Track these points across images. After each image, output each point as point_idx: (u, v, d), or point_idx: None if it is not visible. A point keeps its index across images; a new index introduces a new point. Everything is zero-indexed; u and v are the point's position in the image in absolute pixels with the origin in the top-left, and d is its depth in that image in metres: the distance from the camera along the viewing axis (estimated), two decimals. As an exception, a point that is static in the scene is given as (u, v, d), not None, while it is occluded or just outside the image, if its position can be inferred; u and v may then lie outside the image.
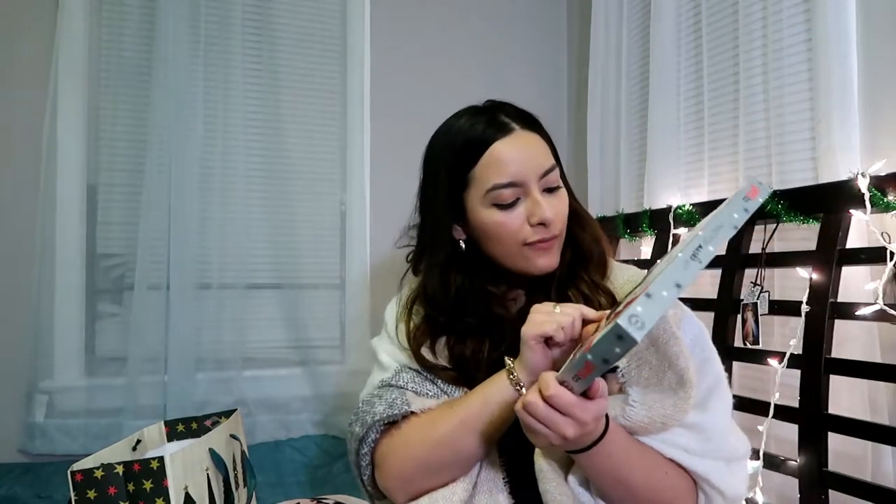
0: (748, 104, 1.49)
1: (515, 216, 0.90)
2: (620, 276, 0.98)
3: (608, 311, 0.79)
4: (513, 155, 0.90)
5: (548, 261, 0.91)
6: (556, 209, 0.91)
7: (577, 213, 0.97)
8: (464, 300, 0.94)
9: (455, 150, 0.92)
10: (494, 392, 0.83)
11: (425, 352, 0.94)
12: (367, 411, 0.92)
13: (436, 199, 0.95)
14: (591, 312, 0.80)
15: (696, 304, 1.43)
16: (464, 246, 0.96)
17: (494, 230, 0.91)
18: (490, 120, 0.92)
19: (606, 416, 0.76)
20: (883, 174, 1.12)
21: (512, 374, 0.82)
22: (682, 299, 1.03)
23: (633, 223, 1.79)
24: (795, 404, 1.20)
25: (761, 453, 1.26)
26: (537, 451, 0.83)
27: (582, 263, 0.96)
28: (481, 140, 0.90)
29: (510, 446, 0.87)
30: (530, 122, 0.95)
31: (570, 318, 0.78)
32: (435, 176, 0.95)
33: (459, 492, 0.85)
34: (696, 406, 0.83)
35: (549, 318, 0.79)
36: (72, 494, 0.98)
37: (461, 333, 0.94)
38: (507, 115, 0.93)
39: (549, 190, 0.92)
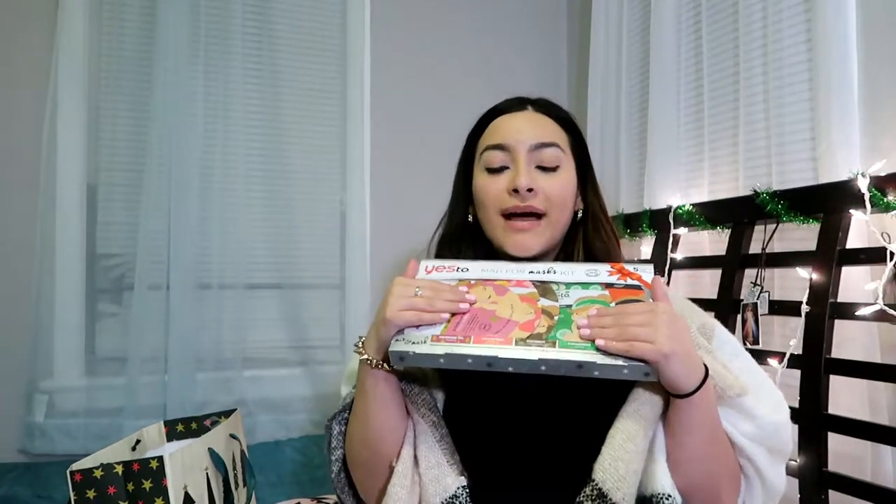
0: (748, 104, 1.49)
1: (497, 181, 0.91)
2: None
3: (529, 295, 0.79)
4: (512, 124, 0.93)
5: (523, 240, 0.89)
6: (540, 186, 0.89)
7: (594, 217, 0.96)
8: None
9: (475, 125, 0.98)
10: (362, 378, 0.84)
11: None
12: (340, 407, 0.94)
13: (457, 173, 1.00)
14: (450, 294, 0.78)
15: (696, 304, 1.43)
16: (471, 219, 0.97)
17: (481, 195, 0.93)
18: (512, 100, 0.97)
19: (705, 366, 0.76)
20: (883, 174, 1.12)
21: (360, 352, 0.82)
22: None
23: (633, 223, 1.78)
24: (795, 404, 1.20)
25: (761, 453, 1.26)
26: (627, 413, 0.79)
27: None
28: (492, 112, 0.96)
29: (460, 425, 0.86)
30: (551, 110, 0.96)
31: (428, 304, 0.76)
32: (462, 153, 1.00)
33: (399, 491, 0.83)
34: (752, 392, 0.82)
35: (407, 307, 0.77)
36: (71, 494, 0.98)
37: None
38: (531, 100, 0.97)
39: (545, 168, 0.91)
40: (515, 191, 0.88)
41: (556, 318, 0.75)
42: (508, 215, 0.90)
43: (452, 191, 1.01)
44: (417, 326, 0.77)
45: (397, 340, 0.76)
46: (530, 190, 0.88)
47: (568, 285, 0.79)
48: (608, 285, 0.78)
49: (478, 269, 0.84)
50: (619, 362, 0.70)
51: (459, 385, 0.88)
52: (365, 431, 0.85)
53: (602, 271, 0.81)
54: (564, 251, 0.98)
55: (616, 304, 0.76)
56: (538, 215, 0.89)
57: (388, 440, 0.85)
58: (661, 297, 0.75)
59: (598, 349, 0.71)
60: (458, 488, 0.79)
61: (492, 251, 0.96)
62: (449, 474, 0.81)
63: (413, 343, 0.75)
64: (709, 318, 0.94)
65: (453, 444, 0.84)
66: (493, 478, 0.83)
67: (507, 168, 0.91)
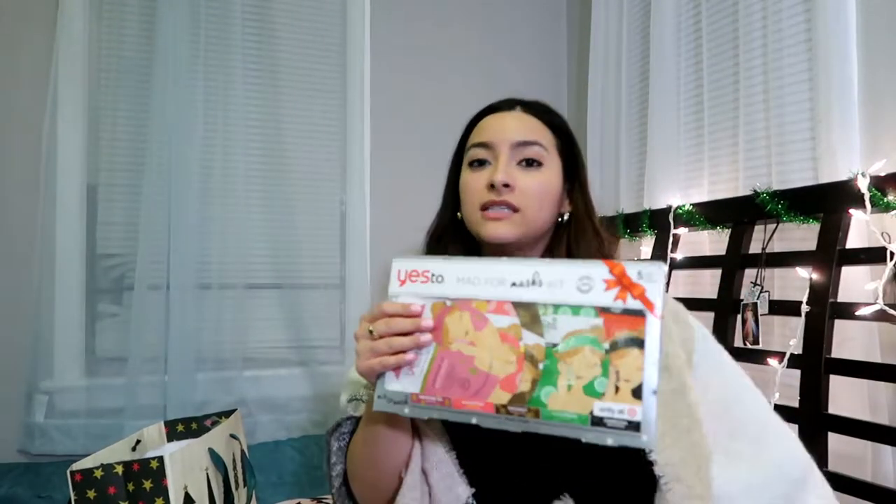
0: (748, 104, 1.49)
1: (478, 177, 0.91)
2: None
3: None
4: (497, 123, 0.93)
5: (495, 229, 0.89)
6: (518, 183, 0.89)
7: (578, 219, 0.95)
8: None
9: (466, 125, 0.98)
10: (367, 410, 0.83)
11: None
12: (336, 422, 0.93)
13: (448, 172, 1.00)
14: (407, 324, 0.76)
15: (696, 304, 1.43)
16: (460, 216, 0.97)
17: (463, 191, 0.93)
18: (503, 100, 0.97)
19: None
20: (883, 174, 1.12)
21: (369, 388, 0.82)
22: (679, 299, 1.03)
23: (633, 223, 1.78)
24: (795, 404, 1.20)
25: (761, 453, 1.26)
26: None
27: None
28: (482, 112, 0.97)
29: (466, 443, 0.86)
30: (540, 112, 0.96)
31: (387, 346, 0.75)
32: (453, 152, 1.00)
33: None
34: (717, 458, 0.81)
35: (371, 355, 0.75)
36: (71, 494, 0.98)
37: None
38: (522, 101, 0.97)
39: (527, 165, 0.91)
40: (493, 186, 0.89)
41: (540, 366, 0.69)
42: (485, 208, 0.90)
43: (444, 189, 1.02)
44: (396, 373, 0.75)
45: (380, 398, 0.75)
46: (507, 185, 0.89)
47: (556, 308, 0.71)
48: (603, 310, 0.68)
49: (453, 276, 0.77)
50: (607, 437, 0.65)
51: None
52: (372, 452, 0.84)
53: (597, 280, 0.69)
54: (550, 253, 0.98)
55: (609, 343, 0.67)
56: (514, 209, 0.90)
57: (398, 457, 0.84)
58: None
59: (585, 421, 0.66)
60: (469, 497, 0.81)
61: (475, 246, 0.96)
62: (459, 483, 0.82)
63: (395, 403, 0.74)
64: (693, 331, 0.92)
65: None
66: (496, 486, 0.83)
67: (489, 164, 0.92)
